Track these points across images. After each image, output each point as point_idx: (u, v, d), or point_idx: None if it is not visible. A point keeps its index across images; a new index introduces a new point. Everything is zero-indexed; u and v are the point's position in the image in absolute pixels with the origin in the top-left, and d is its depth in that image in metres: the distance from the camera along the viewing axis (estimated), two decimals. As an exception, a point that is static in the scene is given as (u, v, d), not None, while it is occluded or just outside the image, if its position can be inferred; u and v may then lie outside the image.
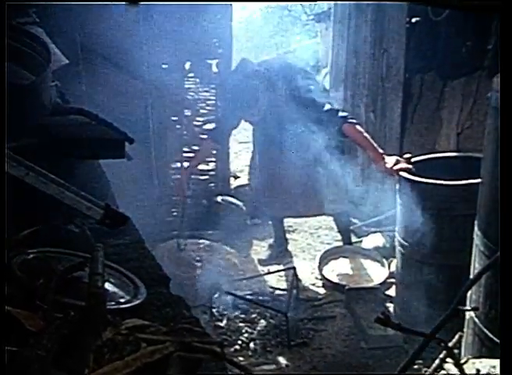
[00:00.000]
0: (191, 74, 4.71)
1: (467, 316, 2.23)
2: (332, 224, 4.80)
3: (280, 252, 4.37)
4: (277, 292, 3.76)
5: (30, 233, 1.59)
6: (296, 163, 3.81)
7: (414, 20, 4.35)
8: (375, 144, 3.48)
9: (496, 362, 1.49)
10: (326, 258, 4.07)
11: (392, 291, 3.62)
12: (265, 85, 3.66)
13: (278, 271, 3.99)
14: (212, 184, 4.94)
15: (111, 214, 1.61)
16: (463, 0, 1.28)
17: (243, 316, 3.43)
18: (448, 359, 1.65)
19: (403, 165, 3.15)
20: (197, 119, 4.82)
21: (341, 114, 3.56)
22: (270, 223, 4.58)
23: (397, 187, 3.18)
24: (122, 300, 1.47)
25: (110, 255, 1.70)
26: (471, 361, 1.57)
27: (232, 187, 5.16)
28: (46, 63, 2.02)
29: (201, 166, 4.93)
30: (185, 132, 4.79)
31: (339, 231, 4.42)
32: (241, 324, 3.35)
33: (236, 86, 3.71)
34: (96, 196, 1.65)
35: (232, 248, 4.37)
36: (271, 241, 4.50)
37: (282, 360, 3.06)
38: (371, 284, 3.70)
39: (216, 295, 3.53)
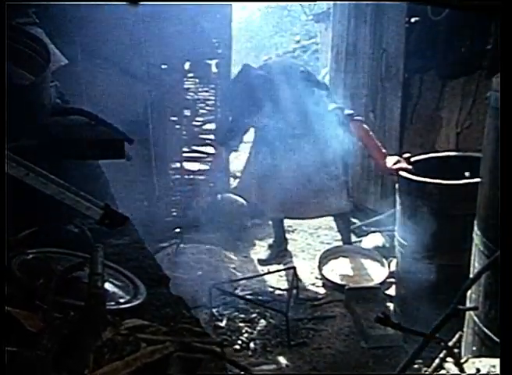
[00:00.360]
0: (191, 74, 4.72)
1: (467, 316, 2.23)
2: (331, 224, 4.80)
3: (280, 252, 4.38)
4: (277, 292, 3.76)
5: (29, 233, 1.60)
6: (300, 165, 3.84)
7: (413, 20, 4.35)
8: (379, 144, 3.51)
9: (496, 361, 1.49)
10: (326, 257, 4.08)
11: (392, 291, 3.62)
12: (269, 91, 3.65)
13: (278, 271, 3.99)
14: (212, 184, 4.94)
15: (110, 214, 1.62)
16: (462, 0, 1.28)
17: (243, 315, 3.43)
18: (448, 359, 1.65)
19: (403, 164, 3.16)
20: (197, 119, 4.83)
21: (347, 112, 3.59)
22: (270, 223, 4.58)
23: (397, 186, 3.19)
24: (121, 300, 1.47)
25: (110, 255, 1.71)
26: (470, 360, 1.57)
27: (232, 186, 5.16)
28: (46, 64, 2.02)
29: (201, 166, 4.95)
30: (184, 132, 4.80)
31: (339, 231, 4.43)
32: (241, 324, 3.35)
33: (240, 93, 3.71)
34: (95, 196, 1.65)
35: (232, 248, 4.38)
36: (270, 241, 4.51)
37: (282, 360, 3.06)
38: (370, 284, 3.70)
39: (216, 295, 3.53)
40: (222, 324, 3.34)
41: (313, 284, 3.90)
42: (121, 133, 2.10)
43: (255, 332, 3.27)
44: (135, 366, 1.03)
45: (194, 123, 4.82)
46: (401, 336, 3.06)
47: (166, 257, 3.92)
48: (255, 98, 3.62)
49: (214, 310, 3.45)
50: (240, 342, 3.19)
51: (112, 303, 1.42)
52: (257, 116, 3.72)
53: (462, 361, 1.56)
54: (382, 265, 3.94)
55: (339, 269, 3.95)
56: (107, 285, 1.39)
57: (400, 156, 3.28)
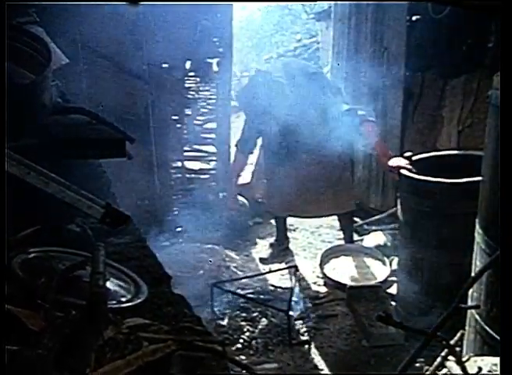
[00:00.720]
0: (192, 73, 4.71)
1: (469, 314, 2.23)
2: (332, 223, 4.80)
3: (281, 251, 4.38)
4: (278, 291, 3.76)
5: (31, 232, 1.59)
6: (310, 163, 3.86)
7: (414, 18, 4.35)
8: (386, 145, 3.61)
9: (498, 360, 1.49)
10: (327, 256, 4.08)
11: (393, 290, 3.62)
12: (283, 96, 3.67)
13: (279, 270, 3.99)
14: (214, 183, 4.94)
15: (112, 213, 1.61)
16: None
17: (244, 314, 3.42)
18: (450, 357, 1.66)
19: (403, 162, 3.18)
20: (198, 118, 4.82)
21: (360, 112, 3.64)
22: (271, 221, 4.58)
23: (398, 185, 3.18)
24: (123, 299, 1.47)
25: (111, 254, 1.70)
26: (472, 359, 1.57)
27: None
28: (46, 63, 2.02)
29: (203, 165, 4.95)
30: (185, 131, 4.80)
31: (342, 229, 4.42)
32: (242, 323, 3.35)
33: (255, 99, 3.73)
34: (97, 195, 1.65)
35: (233, 247, 4.39)
36: (272, 239, 4.51)
37: (283, 359, 3.06)
38: (372, 283, 3.70)
39: (217, 294, 3.53)
40: (224, 323, 3.34)
41: (314, 283, 3.90)
42: (122, 133, 2.10)
43: (257, 331, 3.27)
44: (136, 364, 1.03)
45: (195, 121, 4.82)
46: (403, 334, 3.06)
47: (168, 256, 3.92)
48: (270, 104, 3.65)
49: (215, 309, 3.45)
50: (241, 341, 3.19)
51: (114, 302, 1.41)
52: (272, 121, 3.74)
53: (464, 359, 1.56)
54: (384, 263, 3.94)
55: (340, 268, 3.95)
56: (108, 284, 1.39)
57: (402, 155, 3.29)
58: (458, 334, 2.16)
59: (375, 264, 3.98)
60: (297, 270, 3.71)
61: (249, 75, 4.00)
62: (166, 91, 4.62)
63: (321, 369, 2.97)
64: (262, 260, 4.31)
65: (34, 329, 1.08)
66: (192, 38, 4.50)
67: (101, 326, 1.11)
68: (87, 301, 1.14)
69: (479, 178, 2.20)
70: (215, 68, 4.76)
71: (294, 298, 3.50)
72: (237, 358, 2.86)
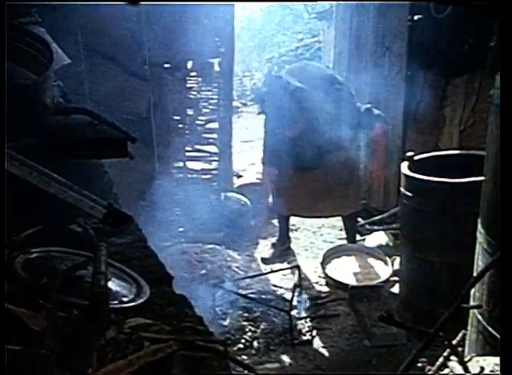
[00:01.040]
0: (193, 73, 4.72)
1: (471, 314, 2.23)
2: (334, 223, 4.80)
3: (283, 251, 4.38)
4: (280, 291, 3.76)
5: (33, 232, 1.60)
6: (320, 164, 3.86)
7: (416, 18, 4.34)
8: (386, 152, 3.66)
9: (500, 360, 1.49)
10: (329, 256, 4.07)
11: (395, 289, 3.61)
12: (304, 103, 3.65)
13: (281, 270, 3.98)
14: (215, 183, 4.94)
15: (113, 213, 1.62)
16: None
17: (246, 314, 3.42)
18: (452, 357, 1.65)
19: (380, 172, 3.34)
20: (200, 118, 4.83)
21: (376, 112, 3.68)
22: (273, 221, 4.58)
23: (400, 185, 3.18)
24: (125, 299, 1.47)
25: (113, 254, 1.70)
26: (474, 359, 1.57)
27: (236, 185, 5.16)
28: (48, 63, 2.02)
29: (204, 165, 4.95)
30: (187, 131, 4.80)
31: (345, 229, 4.41)
32: (244, 323, 3.34)
33: (273, 105, 3.71)
34: (99, 195, 1.65)
35: (235, 247, 4.38)
36: (274, 239, 4.50)
37: (285, 359, 3.06)
38: (374, 282, 3.70)
39: (219, 294, 3.53)
40: (226, 323, 3.34)
41: (316, 283, 3.90)
42: (124, 133, 2.10)
43: (258, 331, 3.27)
44: (138, 364, 1.03)
45: (197, 122, 4.83)
46: (405, 334, 3.05)
47: (169, 256, 3.92)
48: (290, 112, 3.63)
49: (217, 309, 3.45)
50: (243, 341, 3.19)
51: (116, 302, 1.41)
52: (291, 126, 3.73)
53: (466, 359, 1.56)
54: (386, 263, 3.94)
55: (342, 268, 3.95)
56: (110, 284, 1.39)
57: (403, 156, 3.30)
58: (460, 334, 2.15)
59: (376, 264, 3.98)
60: (299, 270, 3.71)
61: (265, 80, 3.93)
62: (168, 91, 4.63)
63: (323, 369, 2.96)
64: (264, 260, 4.31)
65: (36, 329, 1.08)
66: (194, 38, 4.50)
67: (102, 326, 1.11)
68: (89, 301, 1.14)
69: (481, 178, 2.20)
70: (216, 68, 4.77)
71: (296, 298, 3.50)
72: (239, 358, 2.86)
